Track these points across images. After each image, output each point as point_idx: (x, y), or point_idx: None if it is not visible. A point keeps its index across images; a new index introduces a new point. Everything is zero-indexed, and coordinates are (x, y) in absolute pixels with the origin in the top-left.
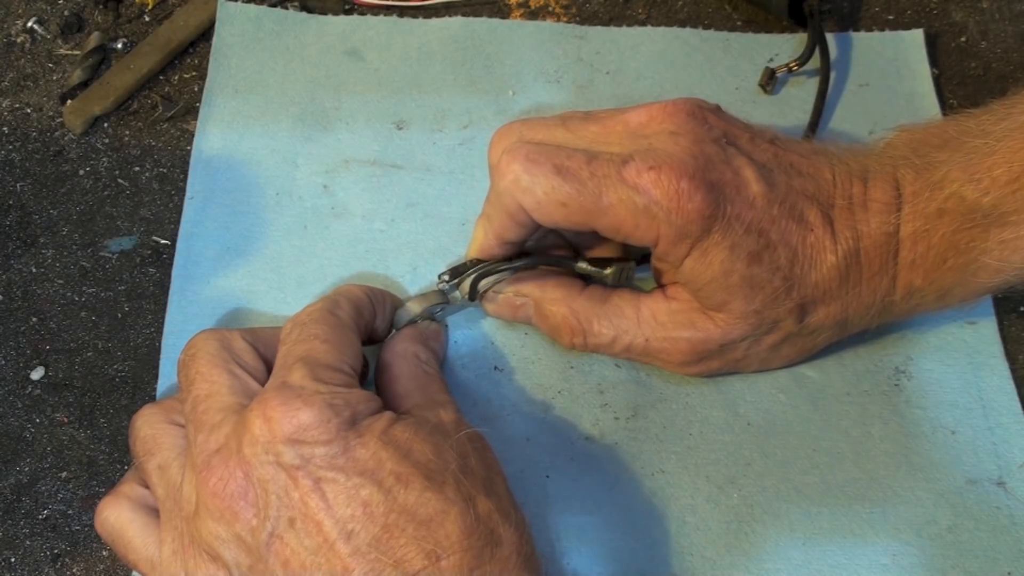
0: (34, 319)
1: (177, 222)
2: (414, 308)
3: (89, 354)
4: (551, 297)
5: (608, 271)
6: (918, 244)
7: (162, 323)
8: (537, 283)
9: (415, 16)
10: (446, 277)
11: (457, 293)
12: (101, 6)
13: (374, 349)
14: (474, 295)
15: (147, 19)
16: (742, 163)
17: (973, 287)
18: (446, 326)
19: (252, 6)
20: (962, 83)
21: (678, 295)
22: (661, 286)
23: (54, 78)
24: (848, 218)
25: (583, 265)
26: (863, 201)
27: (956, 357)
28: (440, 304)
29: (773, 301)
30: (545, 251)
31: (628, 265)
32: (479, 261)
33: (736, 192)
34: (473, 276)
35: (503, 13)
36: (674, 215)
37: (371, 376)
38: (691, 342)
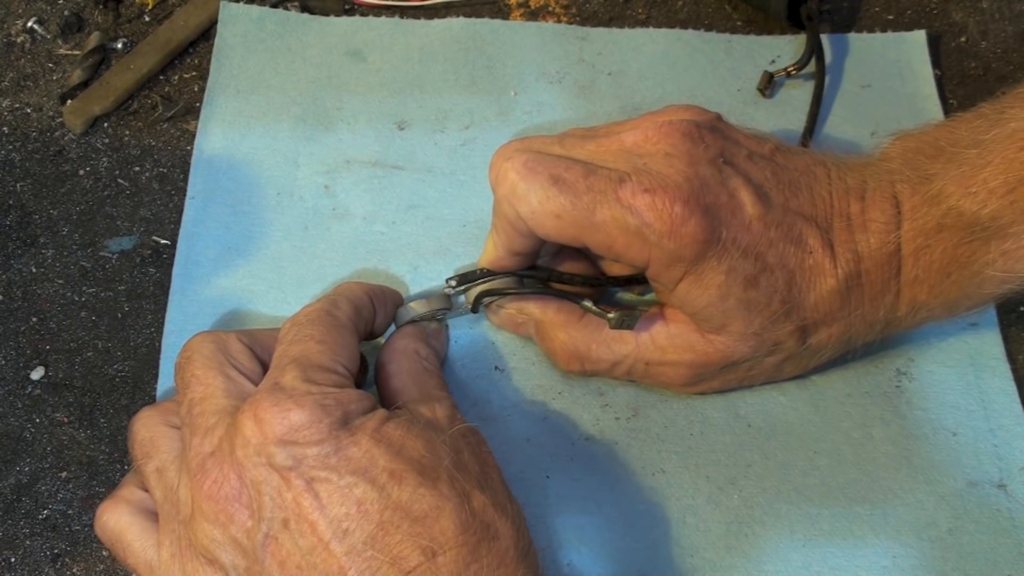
0: (34, 319)
1: (177, 222)
2: (417, 308)
3: (89, 354)
4: (551, 321)
5: (611, 315)
6: (920, 260)
7: (162, 323)
8: (540, 304)
9: (416, 17)
10: (453, 283)
11: (463, 298)
12: (101, 6)
13: (376, 346)
14: (477, 308)
15: (147, 19)
16: (738, 184)
17: (979, 297)
18: (447, 325)
19: (254, 7)
20: (962, 83)
21: (676, 317)
22: (660, 306)
23: (54, 78)
24: (848, 239)
25: (588, 304)
26: (862, 221)
27: (957, 358)
28: (443, 309)
29: (772, 324)
30: (560, 268)
31: (632, 313)
32: (489, 272)
33: (732, 215)
34: (478, 292)
35: (503, 13)
36: (667, 239)
37: (371, 374)
38: (692, 366)
